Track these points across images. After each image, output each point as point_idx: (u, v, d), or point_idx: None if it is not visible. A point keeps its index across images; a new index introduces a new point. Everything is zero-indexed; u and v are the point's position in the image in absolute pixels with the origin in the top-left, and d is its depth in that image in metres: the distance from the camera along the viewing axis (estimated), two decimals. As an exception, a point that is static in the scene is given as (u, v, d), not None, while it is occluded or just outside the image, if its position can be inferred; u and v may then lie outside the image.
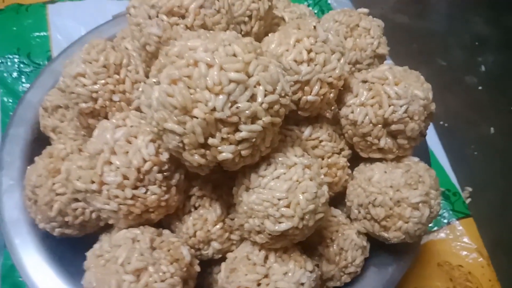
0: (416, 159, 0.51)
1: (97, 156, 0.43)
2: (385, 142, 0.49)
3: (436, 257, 0.66)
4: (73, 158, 0.50)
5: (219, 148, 0.38)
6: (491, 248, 0.67)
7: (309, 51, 0.46)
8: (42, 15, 0.92)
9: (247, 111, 0.37)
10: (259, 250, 0.45)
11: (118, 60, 0.49)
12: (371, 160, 0.52)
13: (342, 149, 0.52)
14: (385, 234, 0.49)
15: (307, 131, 0.50)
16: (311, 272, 0.44)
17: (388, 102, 0.46)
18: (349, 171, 0.53)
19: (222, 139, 0.38)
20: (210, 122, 0.37)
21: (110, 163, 0.43)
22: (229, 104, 0.37)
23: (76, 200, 0.50)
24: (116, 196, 0.43)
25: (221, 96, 0.36)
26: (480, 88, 0.92)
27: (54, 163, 0.50)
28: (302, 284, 0.43)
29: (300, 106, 0.47)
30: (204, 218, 0.48)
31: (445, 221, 0.69)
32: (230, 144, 0.38)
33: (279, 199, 0.40)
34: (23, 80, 0.83)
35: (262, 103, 0.38)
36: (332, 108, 0.55)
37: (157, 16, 0.47)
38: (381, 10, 0.99)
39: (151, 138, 0.44)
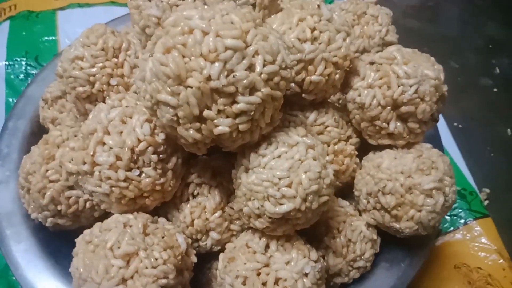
0: (428, 145, 0.48)
1: (90, 136, 0.42)
2: (395, 126, 0.46)
3: (453, 259, 0.61)
4: (70, 145, 0.48)
5: (215, 121, 0.36)
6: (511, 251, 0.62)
7: (313, 30, 0.44)
8: (52, 21, 0.93)
9: (244, 81, 0.35)
10: (260, 238, 0.42)
11: (117, 44, 0.48)
12: (380, 148, 0.49)
13: (349, 137, 0.50)
14: (397, 225, 0.45)
15: (311, 116, 0.48)
16: (315, 262, 0.41)
17: (397, 82, 0.44)
18: (357, 160, 0.50)
19: (219, 111, 0.36)
20: (205, 92, 0.35)
21: (103, 143, 0.41)
22: (225, 73, 0.35)
23: (70, 188, 0.48)
24: (108, 178, 0.41)
25: (216, 64, 0.34)
26: (495, 90, 0.89)
27: (49, 149, 0.48)
28: (306, 274, 0.40)
29: (304, 88, 0.45)
30: (202, 205, 0.46)
31: (462, 221, 0.65)
32: (227, 117, 0.36)
33: (279, 178, 0.38)
34: (29, 81, 0.83)
35: (261, 73, 0.35)
36: (339, 96, 0.53)
37: (156, -2, 0.46)
38: (392, 15, 0.98)
39: (147, 118, 0.42)
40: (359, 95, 0.46)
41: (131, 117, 0.42)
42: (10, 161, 0.56)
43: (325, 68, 0.44)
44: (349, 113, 0.49)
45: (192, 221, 0.45)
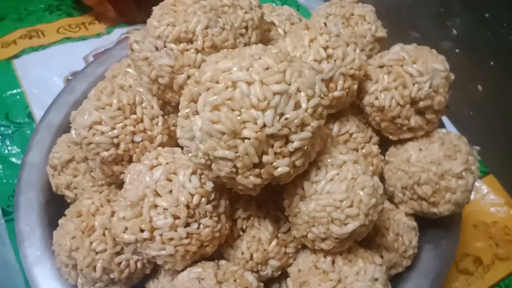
0: (444, 130, 0.52)
1: (140, 203, 0.41)
2: (415, 120, 0.49)
3: (470, 220, 0.67)
4: (107, 211, 0.47)
5: (274, 164, 0.37)
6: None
7: (326, 48, 0.46)
8: (10, 72, 0.87)
9: (295, 120, 0.36)
10: (325, 257, 0.44)
11: (131, 99, 0.47)
12: (401, 142, 0.52)
13: (371, 137, 0.52)
14: (435, 210, 0.49)
15: (335, 127, 0.50)
16: (381, 265, 0.44)
17: (411, 81, 0.47)
18: (382, 157, 0.53)
19: (275, 153, 0.37)
20: (262, 140, 0.35)
21: (156, 206, 0.41)
22: (278, 117, 0.35)
23: (118, 253, 0.47)
24: (171, 239, 0.41)
25: (268, 111, 0.35)
26: (457, 51, 0.95)
27: (86, 220, 0.47)
28: (376, 279, 0.43)
29: (328, 104, 0.47)
30: (257, 238, 0.47)
31: (470, 184, 0.71)
32: (284, 157, 0.37)
33: (340, 201, 0.40)
34: (8, 143, 0.78)
35: (307, 108, 0.37)
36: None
37: (165, 46, 0.45)
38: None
39: (192, 170, 0.42)
40: (376, 99, 0.49)
41: (175, 173, 0.42)
42: (37, 239, 0.53)
43: (345, 82, 0.46)
44: (367, 116, 0.51)
45: (251, 255, 0.46)
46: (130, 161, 0.48)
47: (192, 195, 0.41)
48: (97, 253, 0.46)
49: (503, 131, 0.82)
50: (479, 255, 0.64)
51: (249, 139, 0.35)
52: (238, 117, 0.35)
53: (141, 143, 0.47)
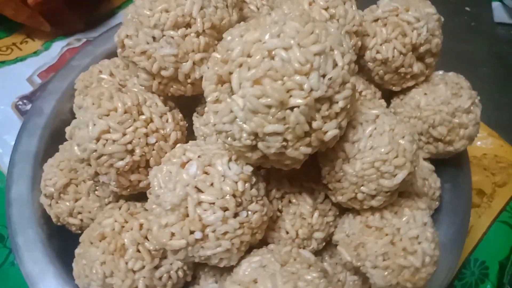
0: (440, 72, 0.53)
1: (183, 203, 0.38)
2: (417, 67, 0.50)
3: (462, 157, 0.70)
4: (134, 226, 0.43)
5: (323, 128, 0.36)
6: (495, 129, 0.74)
7: (327, 9, 0.45)
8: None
9: (338, 79, 0.35)
10: (373, 215, 0.44)
11: (135, 100, 0.43)
12: (403, 92, 0.53)
13: (375, 92, 0.53)
14: (451, 148, 0.51)
15: (345, 88, 0.49)
16: (425, 209, 0.45)
17: (410, 28, 0.48)
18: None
19: (323, 117, 0.35)
20: (311, 106, 0.34)
21: (201, 202, 0.38)
22: (322, 79, 0.34)
23: (157, 267, 0.43)
24: (225, 233, 0.38)
25: (312, 74, 0.33)
26: None
27: (113, 241, 0.42)
28: (425, 223, 0.43)
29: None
30: (299, 214, 0.45)
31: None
32: (331, 119, 0.36)
33: (386, 153, 0.39)
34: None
35: (343, 66, 0.36)
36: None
37: (164, 35, 0.41)
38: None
39: (228, 158, 0.39)
40: (378, 52, 0.49)
41: (211, 165, 0.39)
42: (51, 278, 0.47)
43: (351, 40, 0.46)
44: (369, 71, 0.52)
45: (297, 232, 0.45)
46: (146, 167, 0.44)
47: (236, 183, 0.39)
48: (135, 272, 0.42)
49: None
50: (480, 187, 0.68)
51: (298, 107, 0.33)
52: (283, 87, 0.33)
53: (156, 144, 0.43)
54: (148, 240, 0.43)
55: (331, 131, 0.36)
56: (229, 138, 0.37)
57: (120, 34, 0.43)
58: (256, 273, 0.38)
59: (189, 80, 0.44)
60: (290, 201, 0.46)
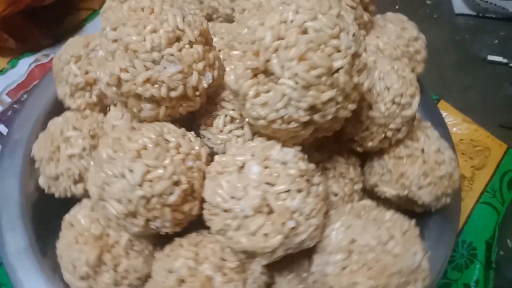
0: (378, 15, 0.60)
1: (263, 203, 0.37)
2: (367, 16, 0.55)
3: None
4: (207, 253, 0.41)
5: (360, 81, 0.38)
6: (463, 111, 0.80)
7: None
8: None
9: (361, 36, 0.38)
10: (398, 147, 0.48)
11: (155, 130, 0.40)
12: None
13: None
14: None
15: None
16: (429, 126, 0.51)
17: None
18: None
19: (357, 72, 0.38)
20: (350, 63, 0.36)
21: (279, 194, 0.38)
22: (350, 37, 0.37)
23: (245, 281, 0.42)
24: (310, 211, 0.39)
25: (342, 35, 0.36)
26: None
27: (197, 280, 0.40)
28: (437, 137, 0.50)
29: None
30: (339, 174, 0.48)
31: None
32: (362, 71, 0.38)
33: (400, 87, 0.44)
34: None
35: (353, 21, 0.38)
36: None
37: (162, 56, 0.40)
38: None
39: (278, 146, 0.40)
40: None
41: (267, 159, 0.39)
42: None
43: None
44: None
45: (343, 190, 0.48)
46: (192, 192, 0.42)
47: (297, 163, 0.40)
48: None
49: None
50: (460, 171, 0.75)
51: (342, 67, 0.36)
52: (327, 52, 0.35)
53: (195, 165, 0.41)
54: (226, 260, 0.42)
55: (366, 82, 0.39)
56: (283, 124, 0.37)
57: (112, 71, 0.40)
58: (349, 234, 0.40)
59: (197, 93, 0.43)
60: (325, 168, 0.48)
